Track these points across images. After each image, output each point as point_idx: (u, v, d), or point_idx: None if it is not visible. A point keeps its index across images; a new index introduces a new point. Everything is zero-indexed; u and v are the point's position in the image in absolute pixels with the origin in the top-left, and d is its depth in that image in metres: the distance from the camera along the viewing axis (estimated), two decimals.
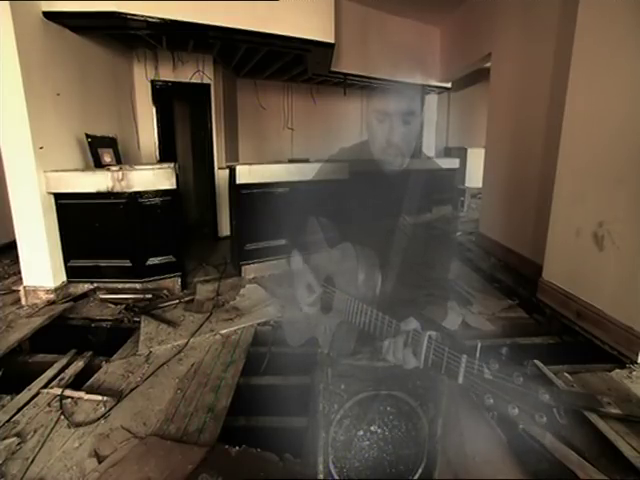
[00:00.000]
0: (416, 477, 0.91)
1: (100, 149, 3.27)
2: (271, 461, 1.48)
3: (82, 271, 2.98)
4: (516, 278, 3.32)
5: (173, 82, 4.44)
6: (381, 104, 0.88)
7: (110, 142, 3.44)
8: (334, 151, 1.17)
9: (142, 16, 2.84)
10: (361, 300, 0.81)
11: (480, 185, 4.60)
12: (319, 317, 0.96)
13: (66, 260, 2.95)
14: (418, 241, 0.92)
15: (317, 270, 1.00)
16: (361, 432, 0.91)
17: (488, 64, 4.37)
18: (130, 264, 3.01)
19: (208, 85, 4.51)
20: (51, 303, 2.75)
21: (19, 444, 1.52)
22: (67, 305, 2.74)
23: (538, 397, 0.48)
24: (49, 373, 1.98)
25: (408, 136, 0.90)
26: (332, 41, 3.61)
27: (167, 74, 4.37)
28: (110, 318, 2.63)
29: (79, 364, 2.07)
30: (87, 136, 3.17)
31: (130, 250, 3.00)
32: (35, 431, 1.60)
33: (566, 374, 1.95)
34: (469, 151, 6.70)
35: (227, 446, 1.54)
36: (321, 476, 0.92)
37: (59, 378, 1.95)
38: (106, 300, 2.86)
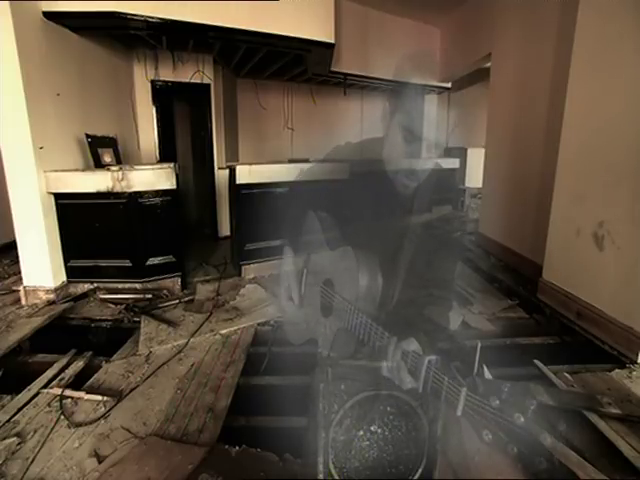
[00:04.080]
0: (416, 477, 0.91)
1: (100, 149, 3.27)
2: (271, 461, 1.48)
3: (82, 271, 2.98)
4: (516, 278, 3.32)
5: (173, 82, 4.43)
6: (411, 123, 0.87)
7: (110, 142, 3.44)
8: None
9: (142, 16, 2.84)
10: (362, 306, 0.80)
11: (480, 185, 4.60)
12: (319, 317, 0.96)
13: (66, 260, 2.95)
14: (418, 241, 0.92)
15: (316, 272, 1.00)
16: (361, 432, 0.91)
17: (488, 64, 4.36)
18: (130, 264, 3.01)
19: (208, 85, 4.51)
20: (51, 303, 2.75)
21: (19, 444, 1.52)
22: (67, 305, 2.74)
23: (539, 441, 0.47)
24: (49, 373, 1.98)
25: (420, 159, 0.91)
26: (332, 41, 3.60)
27: (167, 74, 4.37)
28: (110, 318, 2.63)
29: (79, 364, 2.07)
30: (87, 136, 3.17)
31: (130, 250, 3.00)
32: (35, 431, 1.60)
33: (566, 374, 1.95)
34: (469, 151, 6.69)
35: (227, 446, 1.53)
36: (321, 476, 0.92)
37: (59, 378, 1.95)
38: (106, 300, 2.86)
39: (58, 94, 2.85)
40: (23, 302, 2.76)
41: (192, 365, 2.09)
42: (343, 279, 0.88)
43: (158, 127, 4.55)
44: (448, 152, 7.03)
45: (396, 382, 0.71)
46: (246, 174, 3.31)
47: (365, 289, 0.82)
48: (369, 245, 0.87)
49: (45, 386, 1.88)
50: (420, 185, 0.96)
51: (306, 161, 4.48)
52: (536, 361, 2.05)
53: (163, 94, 4.56)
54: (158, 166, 3.05)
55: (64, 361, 2.09)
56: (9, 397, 1.80)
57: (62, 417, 1.68)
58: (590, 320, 2.30)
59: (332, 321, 0.90)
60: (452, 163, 5.53)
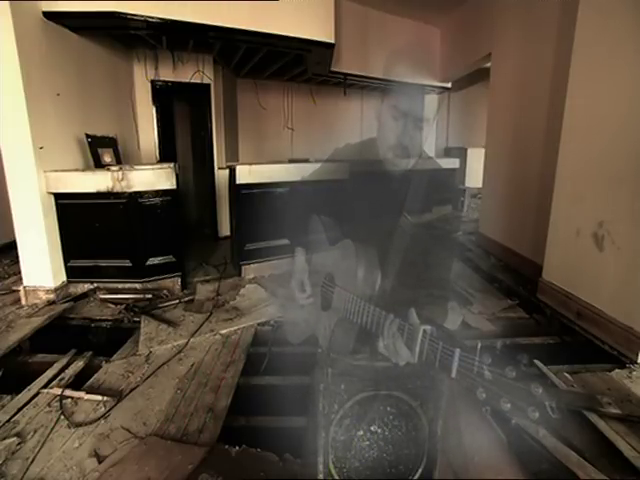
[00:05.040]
0: (416, 477, 0.91)
1: (100, 149, 3.27)
2: (271, 461, 1.48)
3: (82, 271, 2.98)
4: (516, 278, 3.32)
5: (173, 82, 4.43)
6: (399, 102, 0.89)
7: (110, 142, 3.44)
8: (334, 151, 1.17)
9: (142, 16, 2.84)
10: (360, 297, 0.81)
11: (480, 185, 4.60)
12: (318, 315, 0.96)
13: (66, 260, 2.95)
14: (418, 241, 0.92)
15: (318, 268, 1.00)
16: (361, 432, 0.91)
17: (488, 64, 4.37)
18: (130, 264, 3.01)
19: (208, 85, 4.51)
20: (51, 303, 2.75)
21: (19, 444, 1.52)
22: (67, 305, 2.74)
23: (531, 391, 0.48)
24: (49, 373, 1.98)
25: (417, 141, 0.91)
26: (332, 41, 3.60)
27: (167, 74, 4.37)
28: (110, 318, 2.63)
29: (79, 364, 2.07)
30: (87, 136, 3.17)
31: (130, 250, 3.00)
32: (35, 431, 1.60)
33: (566, 374, 1.95)
34: (469, 151, 6.70)
35: (227, 446, 1.53)
36: (321, 476, 0.92)
37: (59, 378, 1.95)
38: (106, 300, 2.86)
39: (58, 94, 2.85)
40: (23, 302, 2.76)
41: (192, 365, 2.09)
42: (343, 270, 0.88)
43: (158, 127, 4.55)
44: (448, 152, 7.05)
45: (392, 358, 0.71)
46: (246, 174, 3.31)
47: (363, 279, 0.83)
48: (368, 241, 0.87)
49: (45, 386, 1.88)
50: (413, 172, 0.96)
51: (306, 161, 4.48)
52: (536, 361, 2.05)
53: (163, 94, 4.56)
54: (158, 166, 3.05)
55: (64, 361, 2.09)
56: (9, 397, 1.80)
57: (62, 417, 1.68)
58: (590, 320, 2.30)
59: (332, 315, 0.90)
60: (452, 163, 5.54)
